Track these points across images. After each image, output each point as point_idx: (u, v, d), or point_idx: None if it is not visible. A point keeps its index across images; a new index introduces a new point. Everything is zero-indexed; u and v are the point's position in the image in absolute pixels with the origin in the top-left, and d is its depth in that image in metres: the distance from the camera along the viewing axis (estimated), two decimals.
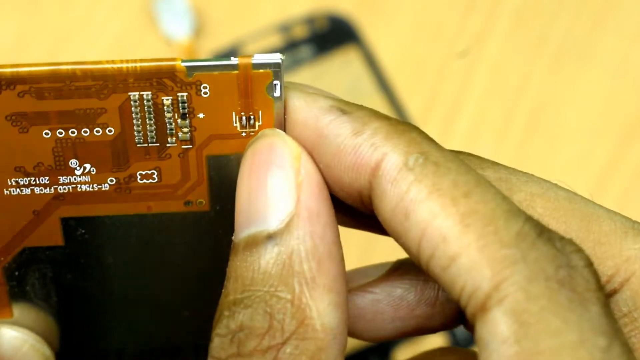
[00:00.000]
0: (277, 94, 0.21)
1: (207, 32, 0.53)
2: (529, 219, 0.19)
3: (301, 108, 0.22)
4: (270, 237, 0.20)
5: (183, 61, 0.21)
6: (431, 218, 0.19)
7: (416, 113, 0.51)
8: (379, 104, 0.51)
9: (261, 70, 0.21)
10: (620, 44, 0.53)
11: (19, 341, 0.24)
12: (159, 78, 0.21)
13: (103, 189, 0.22)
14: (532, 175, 0.23)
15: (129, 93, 0.21)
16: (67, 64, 0.20)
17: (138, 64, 0.21)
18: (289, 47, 0.53)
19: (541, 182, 0.23)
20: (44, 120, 0.21)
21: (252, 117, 0.21)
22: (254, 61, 0.21)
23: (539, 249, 0.19)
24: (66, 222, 0.22)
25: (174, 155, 0.22)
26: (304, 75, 0.52)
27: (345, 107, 0.22)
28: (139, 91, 0.21)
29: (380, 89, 0.52)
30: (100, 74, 0.21)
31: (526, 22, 0.53)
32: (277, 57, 0.21)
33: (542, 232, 0.19)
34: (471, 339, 0.47)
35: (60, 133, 0.21)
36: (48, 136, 0.21)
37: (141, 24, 0.53)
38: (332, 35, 0.53)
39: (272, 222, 0.21)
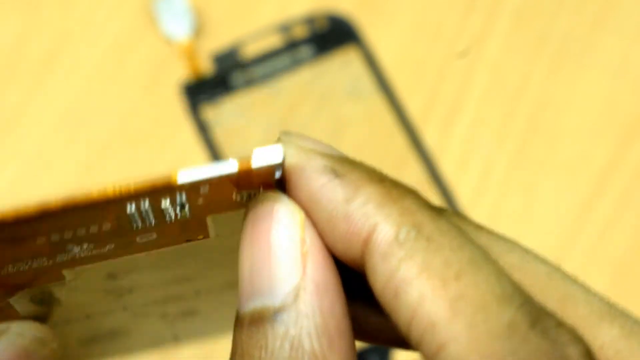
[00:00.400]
0: (277, 175, 0.21)
1: (207, 31, 0.53)
2: (524, 303, 0.18)
3: (294, 169, 0.20)
4: (276, 312, 0.19)
5: (180, 174, 0.20)
6: (420, 301, 0.18)
7: (416, 113, 0.51)
8: (379, 104, 0.51)
9: (262, 169, 0.20)
10: (620, 44, 0.53)
11: (34, 334, 0.23)
12: (155, 192, 0.20)
13: (103, 252, 0.21)
14: (516, 244, 0.22)
15: (126, 205, 0.20)
16: (56, 201, 0.20)
17: (132, 186, 0.20)
18: (289, 47, 0.52)
19: (524, 253, 0.22)
20: (36, 237, 0.20)
21: (253, 193, 0.21)
22: (255, 165, 0.20)
23: (531, 341, 0.18)
24: (68, 272, 0.22)
25: (174, 223, 0.21)
26: (304, 75, 0.52)
27: (339, 168, 0.20)
28: (135, 202, 0.20)
29: (380, 89, 0.52)
30: (93, 204, 0.20)
31: (526, 22, 0.53)
32: (278, 156, 0.20)
33: (537, 320, 0.18)
34: None
35: (55, 238, 0.21)
36: (43, 241, 0.21)
37: (141, 23, 0.53)
38: (332, 35, 0.53)
39: (278, 296, 0.20)
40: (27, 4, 0.53)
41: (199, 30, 0.53)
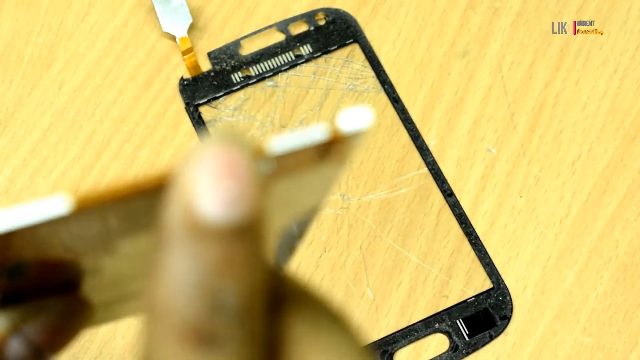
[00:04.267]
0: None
1: (206, 28, 0.53)
2: None
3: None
4: None
5: (273, 143, 0.19)
6: None
7: (417, 113, 0.51)
8: (380, 104, 0.51)
9: (350, 136, 0.20)
10: (624, 42, 0.52)
11: None
12: None
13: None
14: None
15: None
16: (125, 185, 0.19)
17: None
18: (289, 44, 0.52)
19: None
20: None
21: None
22: (344, 130, 0.19)
23: None
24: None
25: None
26: (304, 72, 0.52)
27: None
28: None
29: (380, 89, 0.51)
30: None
31: (528, 21, 0.53)
32: (366, 118, 0.20)
33: None
34: (471, 343, 0.46)
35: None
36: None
37: (139, 20, 0.53)
38: (333, 34, 0.52)
39: None
40: (24, 1, 0.53)
41: (197, 27, 0.53)
